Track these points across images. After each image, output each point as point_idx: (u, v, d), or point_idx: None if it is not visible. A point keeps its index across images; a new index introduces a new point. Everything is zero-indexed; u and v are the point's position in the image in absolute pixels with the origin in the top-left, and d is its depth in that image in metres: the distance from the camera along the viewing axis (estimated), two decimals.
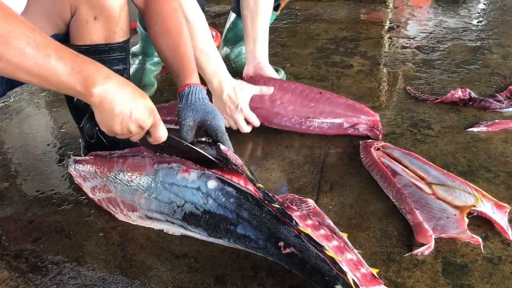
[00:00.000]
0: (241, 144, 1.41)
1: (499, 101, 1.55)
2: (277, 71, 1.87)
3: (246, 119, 1.38)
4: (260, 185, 0.94)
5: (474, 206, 1.02)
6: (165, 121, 0.95)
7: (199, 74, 1.18)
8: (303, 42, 2.34)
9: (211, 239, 0.98)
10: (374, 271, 0.83)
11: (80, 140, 1.37)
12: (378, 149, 1.30)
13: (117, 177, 1.06)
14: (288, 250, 0.83)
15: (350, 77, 1.89)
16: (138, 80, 1.78)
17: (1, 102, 1.84)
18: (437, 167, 1.18)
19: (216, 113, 1.10)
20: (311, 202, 1.03)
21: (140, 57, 1.82)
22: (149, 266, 0.97)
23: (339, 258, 0.82)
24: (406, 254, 0.95)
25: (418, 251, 0.94)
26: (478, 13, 2.71)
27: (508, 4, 2.85)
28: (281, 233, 0.85)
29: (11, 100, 1.86)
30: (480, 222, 1.02)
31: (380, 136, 1.36)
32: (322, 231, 0.89)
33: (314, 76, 1.92)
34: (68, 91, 0.77)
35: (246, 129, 1.39)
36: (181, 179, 0.98)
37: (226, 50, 1.93)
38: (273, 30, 2.52)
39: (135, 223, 1.09)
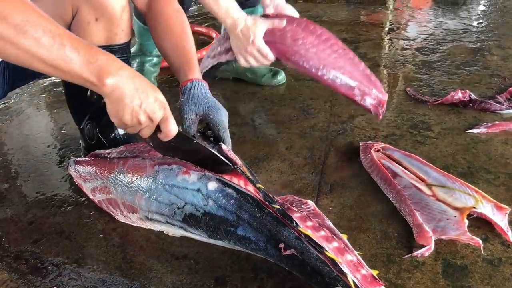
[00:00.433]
0: (241, 145, 1.41)
1: (499, 102, 1.55)
2: (277, 72, 1.88)
3: (260, 52, 1.36)
4: (260, 185, 0.94)
5: (474, 207, 1.02)
6: None
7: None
8: None
9: (211, 241, 0.98)
10: (374, 273, 0.83)
11: (80, 142, 1.37)
12: (378, 150, 1.30)
13: (118, 178, 1.06)
14: (288, 252, 0.83)
15: None
16: None
17: (2, 104, 1.84)
18: (437, 168, 1.18)
19: (219, 107, 1.08)
20: (311, 203, 1.03)
21: (138, 59, 1.82)
22: (149, 267, 0.97)
23: (339, 259, 0.82)
24: (406, 256, 0.95)
25: (418, 252, 0.94)
26: (478, 14, 2.71)
27: (508, 6, 2.86)
28: (281, 235, 0.85)
29: (12, 102, 1.86)
30: (480, 224, 1.02)
31: (381, 116, 1.35)
32: (322, 233, 0.89)
33: None
34: (81, 81, 0.77)
35: (263, 60, 1.37)
36: (182, 181, 0.98)
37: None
38: None
39: (135, 225, 1.09)
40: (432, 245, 0.95)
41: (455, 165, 1.26)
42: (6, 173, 1.38)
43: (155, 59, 1.84)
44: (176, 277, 0.94)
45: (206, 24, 2.69)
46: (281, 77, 1.87)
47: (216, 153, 0.97)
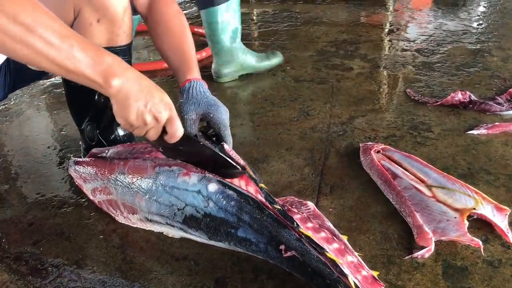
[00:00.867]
0: (241, 146, 1.41)
1: (499, 103, 1.55)
2: (273, 54, 1.94)
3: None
4: (262, 185, 0.94)
5: (474, 208, 1.02)
6: None
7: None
8: (303, 45, 2.35)
9: (212, 242, 0.98)
10: (375, 274, 0.83)
11: (80, 143, 1.37)
12: (378, 151, 1.30)
13: (118, 179, 1.06)
14: (289, 254, 0.83)
15: (350, 79, 1.90)
16: None
17: (2, 105, 1.84)
18: (437, 169, 1.18)
19: (219, 105, 1.07)
20: (311, 204, 1.03)
21: None
22: (149, 268, 0.97)
23: (340, 260, 0.82)
24: (406, 257, 0.95)
25: (418, 253, 0.94)
26: (478, 16, 2.72)
27: (508, 7, 2.86)
28: (282, 236, 0.85)
29: (12, 103, 1.86)
30: (480, 225, 1.02)
31: None
32: (322, 234, 0.89)
33: (314, 78, 1.93)
34: (86, 82, 0.78)
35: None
36: (182, 182, 0.97)
37: None
38: (273, 32, 2.52)
39: (135, 226, 1.09)
40: (432, 246, 0.95)
41: (455, 166, 1.26)
42: (6, 174, 1.38)
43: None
44: (176, 278, 0.94)
45: None
46: (279, 58, 1.98)
47: (226, 157, 0.96)
